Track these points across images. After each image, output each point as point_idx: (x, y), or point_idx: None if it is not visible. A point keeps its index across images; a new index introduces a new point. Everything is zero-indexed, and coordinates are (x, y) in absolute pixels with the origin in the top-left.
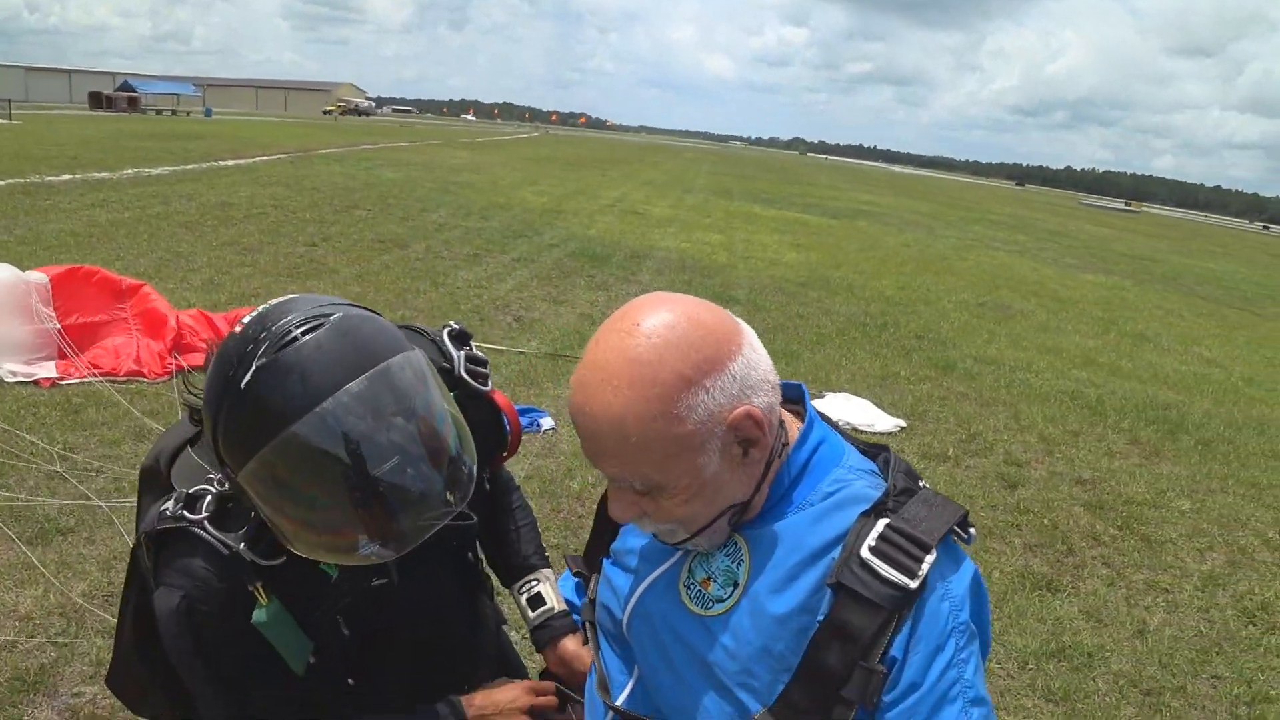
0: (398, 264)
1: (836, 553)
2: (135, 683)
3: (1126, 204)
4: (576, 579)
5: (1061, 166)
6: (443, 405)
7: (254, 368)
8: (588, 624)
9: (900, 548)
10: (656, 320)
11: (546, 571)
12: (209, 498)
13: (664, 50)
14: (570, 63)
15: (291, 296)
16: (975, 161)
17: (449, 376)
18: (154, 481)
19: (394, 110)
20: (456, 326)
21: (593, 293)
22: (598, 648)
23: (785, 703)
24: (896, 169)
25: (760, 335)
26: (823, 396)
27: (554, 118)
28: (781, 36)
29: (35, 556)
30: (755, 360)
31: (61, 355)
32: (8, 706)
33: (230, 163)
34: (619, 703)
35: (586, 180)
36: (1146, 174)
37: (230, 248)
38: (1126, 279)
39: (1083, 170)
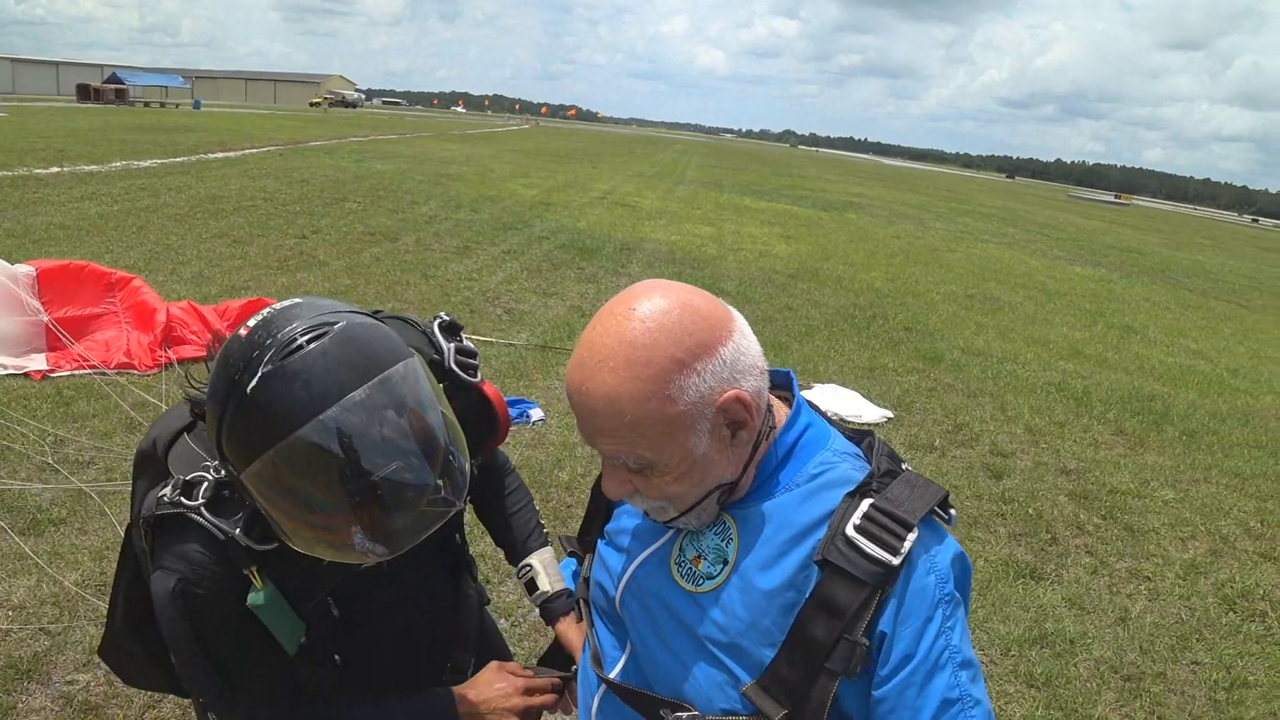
0: (388, 256)
1: (822, 531)
2: (125, 658)
3: (1116, 196)
4: (570, 557)
5: (1052, 159)
6: (439, 410)
7: (260, 374)
8: (582, 601)
9: (884, 526)
10: (652, 305)
11: (543, 553)
12: (206, 484)
13: (654, 42)
14: (561, 54)
15: (295, 302)
16: (966, 154)
17: (439, 368)
18: (150, 465)
19: (384, 102)
20: (447, 318)
21: (582, 285)
22: (592, 624)
23: (773, 674)
24: (887, 161)
25: (749, 327)
26: (810, 388)
27: (544, 110)
28: (772, 28)
29: (28, 546)
30: (746, 346)
31: (51, 347)
32: (1, 694)
33: (219, 155)
34: (612, 675)
35: (577, 172)
36: (1136, 166)
37: (220, 240)
38: (1114, 271)
39: (1073, 163)
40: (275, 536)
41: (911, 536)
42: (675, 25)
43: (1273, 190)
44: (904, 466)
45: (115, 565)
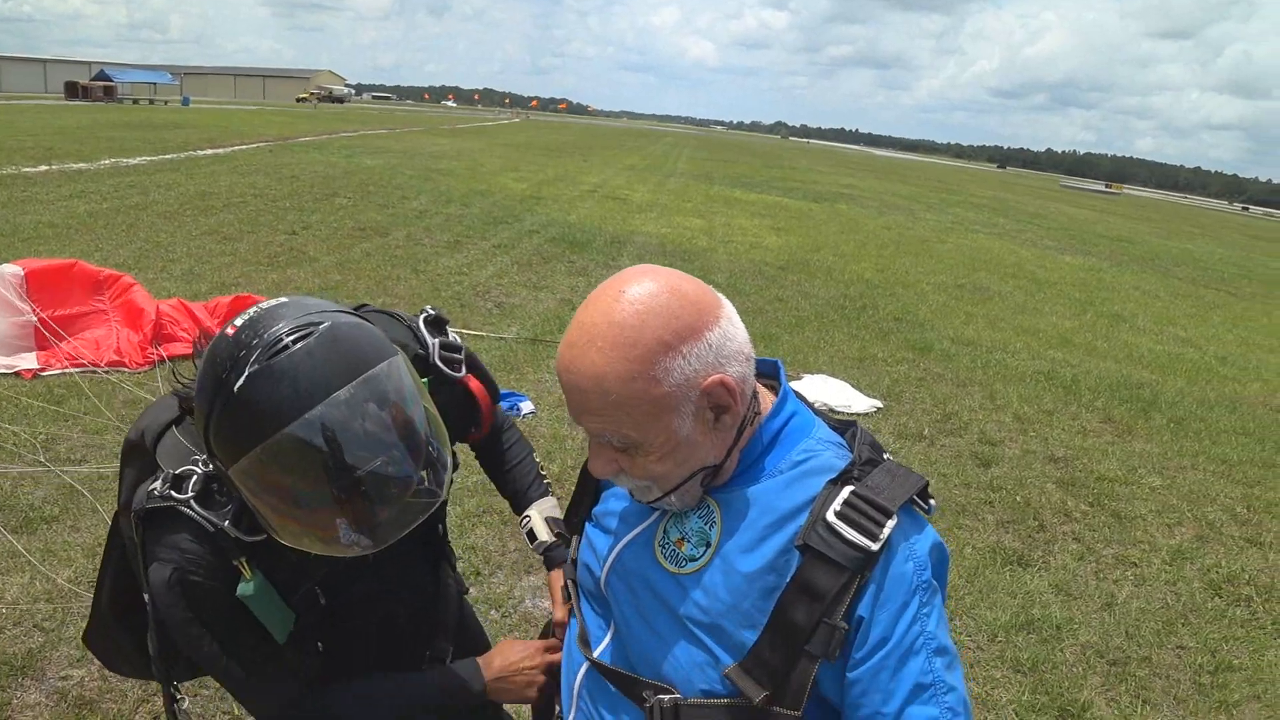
0: (378, 252)
1: (804, 517)
2: (110, 645)
3: (1106, 186)
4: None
5: (1043, 149)
6: (421, 406)
7: (246, 373)
8: (569, 581)
9: (864, 513)
10: (641, 289)
11: (542, 503)
12: (195, 478)
13: (644, 34)
14: (550, 48)
15: (282, 301)
16: (957, 144)
17: (423, 363)
18: (137, 456)
19: (373, 97)
20: (433, 312)
21: (573, 278)
22: (578, 604)
23: (755, 656)
24: (878, 152)
25: (739, 319)
26: (800, 378)
27: (534, 103)
28: (762, 20)
29: (20, 544)
30: (732, 333)
31: (42, 346)
32: None
33: (209, 152)
34: (596, 655)
35: (567, 166)
36: (1127, 156)
37: (210, 237)
38: (1104, 260)
39: (1064, 152)
40: (262, 529)
41: (891, 523)
42: (665, 17)
43: (1263, 179)
44: (885, 456)
45: None
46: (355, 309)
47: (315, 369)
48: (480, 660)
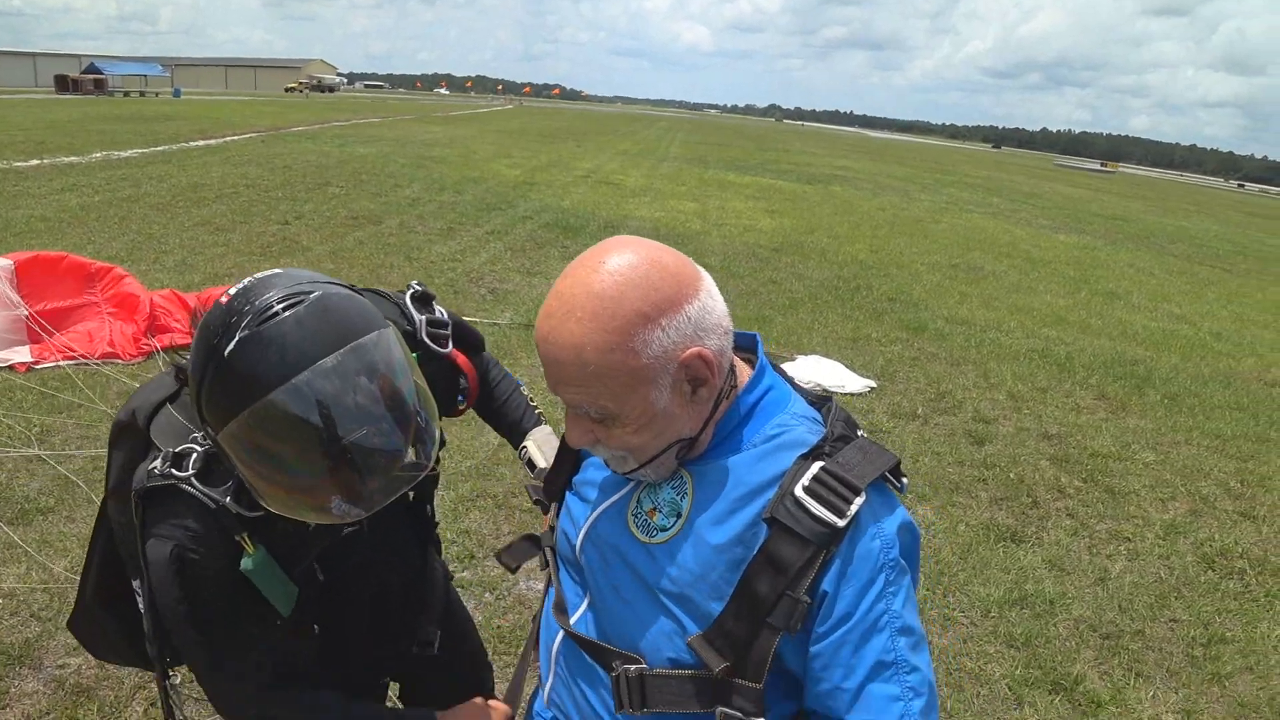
0: (371, 240)
1: (774, 491)
2: (95, 632)
3: (1102, 164)
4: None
5: (1037, 128)
6: (410, 378)
7: (236, 339)
8: (547, 549)
9: (832, 489)
10: (621, 260)
11: (537, 432)
12: (195, 455)
13: (637, 19)
14: (543, 34)
15: (275, 272)
16: (952, 125)
17: (411, 339)
18: (128, 437)
19: (366, 86)
20: (419, 289)
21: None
22: (556, 572)
23: (718, 627)
24: (873, 134)
25: (733, 301)
26: (794, 359)
27: (528, 90)
28: (755, 3)
29: (17, 535)
30: (711, 306)
31: (35, 340)
32: None
33: (200, 143)
34: (572, 623)
35: (560, 152)
36: (1122, 134)
37: (203, 228)
38: (1099, 239)
39: (1059, 131)
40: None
41: (859, 500)
42: (658, 1)
43: (1259, 156)
44: (859, 433)
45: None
46: (347, 287)
47: (304, 336)
48: (440, 714)
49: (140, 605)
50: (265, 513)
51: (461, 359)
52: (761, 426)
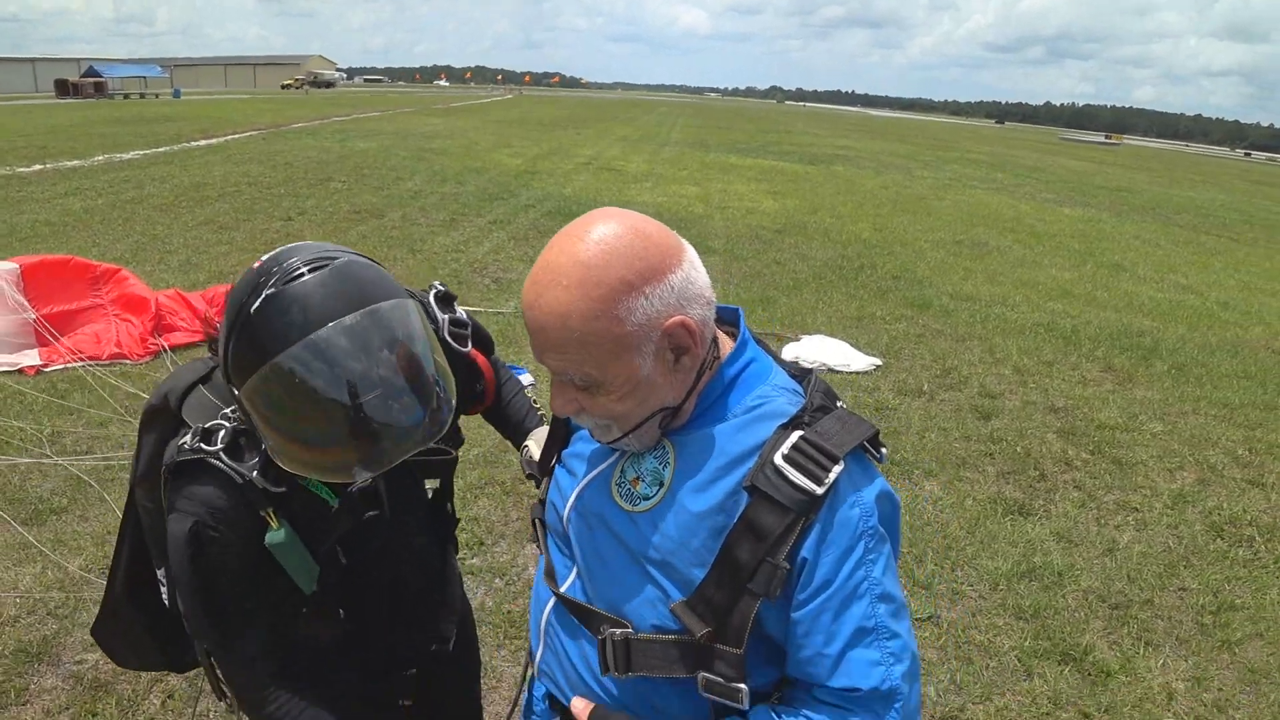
0: (374, 233)
1: (754, 460)
2: (120, 633)
3: (1106, 137)
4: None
5: (1041, 102)
6: (426, 345)
7: (263, 296)
8: (537, 521)
9: (811, 457)
10: (606, 229)
11: (538, 432)
12: (223, 431)
13: (634, 4)
14: (540, 22)
15: (303, 242)
16: (954, 101)
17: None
18: (159, 419)
19: (365, 80)
20: (441, 288)
21: None
22: (545, 543)
23: (700, 594)
24: (874, 113)
25: (737, 283)
26: (799, 339)
27: (527, 79)
28: None
29: (31, 535)
30: (694, 277)
31: (43, 343)
32: (14, 676)
33: (202, 143)
34: (563, 589)
35: (561, 140)
36: (1126, 106)
37: (206, 227)
38: (1104, 211)
39: (1062, 105)
40: (286, 479)
41: (837, 469)
42: None
43: (1265, 124)
44: (839, 404)
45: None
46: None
47: (326, 296)
48: None
49: (164, 596)
50: (289, 488)
51: (481, 359)
52: (743, 397)
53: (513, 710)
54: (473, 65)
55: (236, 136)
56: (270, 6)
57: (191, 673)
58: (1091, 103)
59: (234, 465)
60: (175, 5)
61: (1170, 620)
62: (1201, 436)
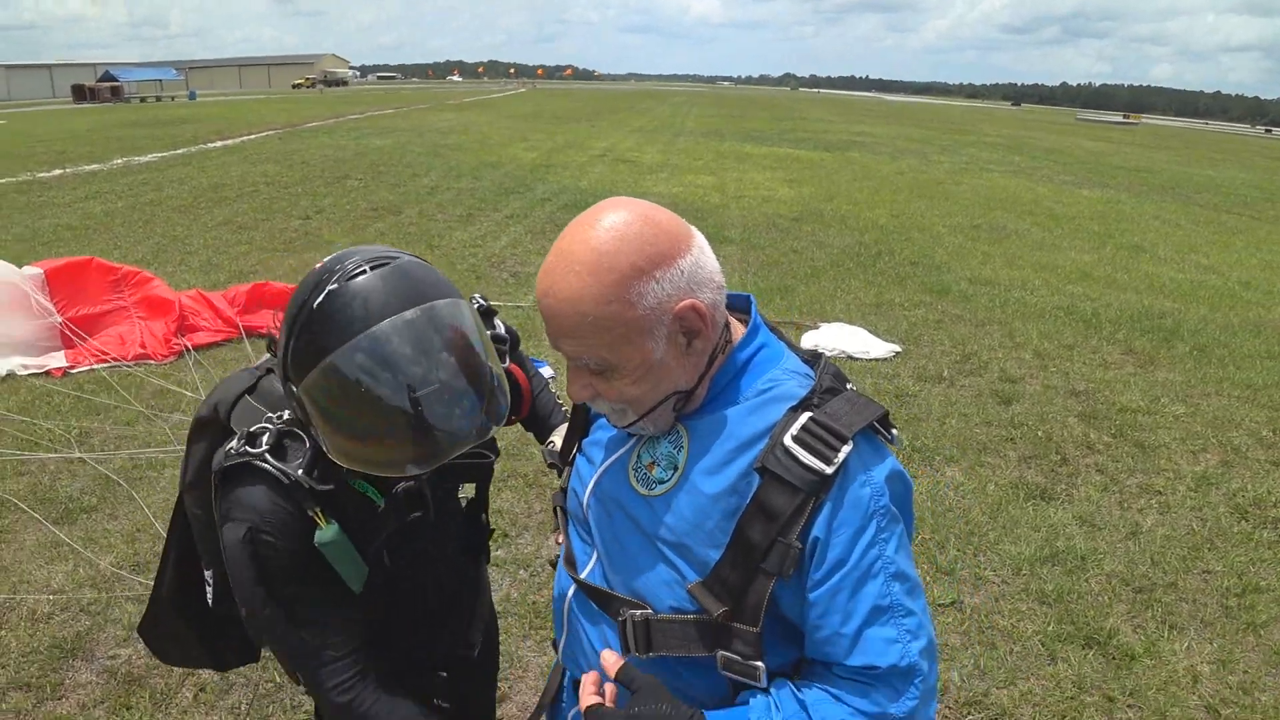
0: (392, 230)
1: (765, 442)
2: (166, 632)
3: (1124, 116)
4: (551, 468)
5: (1057, 83)
6: (480, 343)
7: (325, 292)
8: (558, 509)
9: (820, 438)
10: (617, 217)
11: (562, 427)
12: (268, 433)
13: None
14: (552, 14)
15: (364, 245)
16: (970, 84)
17: None
18: (208, 429)
19: (378, 78)
20: (483, 303)
21: None
22: (566, 529)
23: (716, 574)
24: (889, 98)
25: (755, 272)
26: (818, 327)
27: (540, 72)
28: None
29: (63, 534)
30: (704, 261)
31: (68, 345)
32: (50, 672)
33: (218, 144)
34: (583, 576)
35: (576, 132)
36: (1144, 85)
37: (225, 227)
38: (1123, 192)
39: (1079, 85)
40: (332, 477)
41: (846, 449)
42: None
43: None
44: (848, 386)
45: (147, 546)
46: None
47: (386, 292)
48: None
49: (209, 596)
50: (337, 487)
51: (519, 374)
52: (754, 381)
53: (543, 702)
54: (485, 60)
55: (253, 137)
56: (282, 7)
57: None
58: (1109, 82)
59: (279, 465)
60: (189, 8)
61: (1195, 603)
62: (1224, 418)
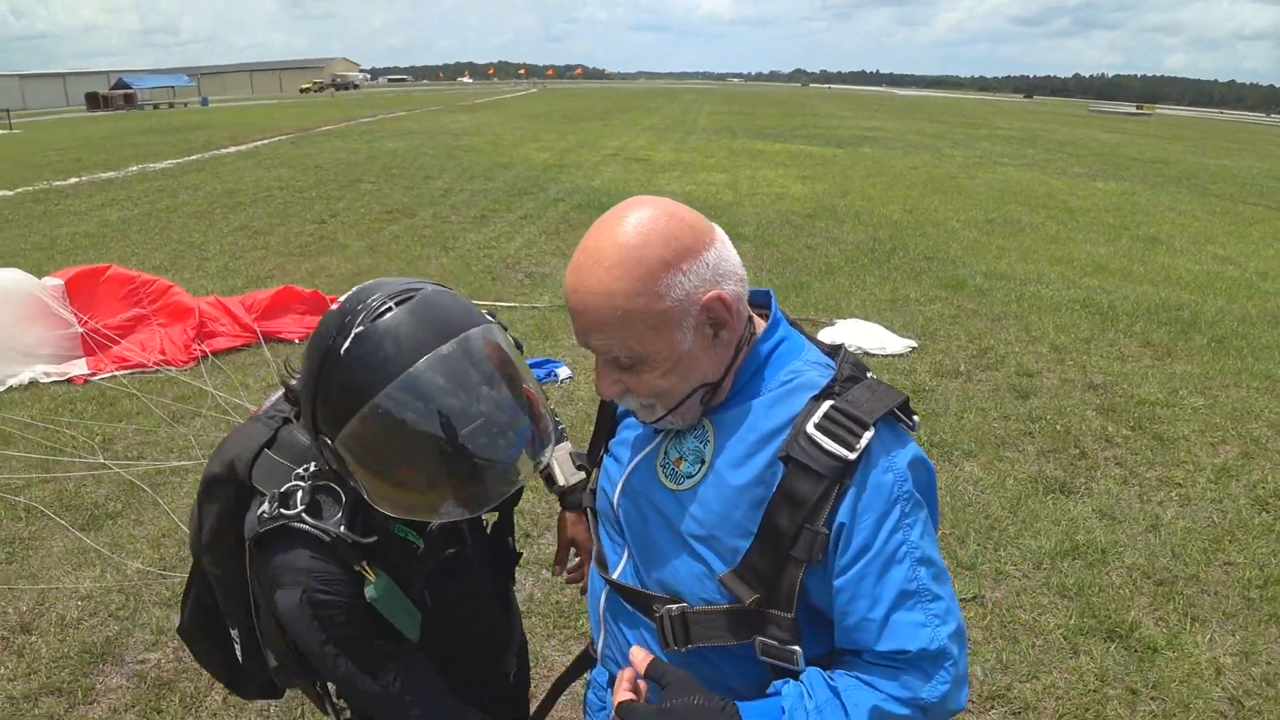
0: (407, 233)
1: (789, 432)
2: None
3: (1138, 107)
4: (579, 470)
5: (1069, 75)
6: (520, 370)
7: (353, 335)
8: (588, 510)
9: (842, 425)
10: (642, 214)
11: (558, 449)
12: (300, 492)
13: None
14: (561, 14)
15: (380, 279)
16: (981, 77)
17: None
18: (222, 487)
19: (389, 80)
20: (491, 319)
21: None
22: (597, 531)
23: (746, 563)
24: (901, 92)
25: (769, 269)
26: (834, 324)
27: (550, 72)
28: None
29: (90, 540)
30: (726, 254)
31: (90, 353)
32: (81, 677)
33: (232, 149)
34: (614, 576)
35: (588, 132)
36: (1157, 75)
37: (241, 233)
38: (1138, 184)
39: (1091, 76)
40: (374, 529)
41: (868, 435)
42: None
43: None
44: (868, 375)
45: (173, 550)
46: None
47: (418, 328)
48: None
49: (238, 653)
50: (379, 538)
51: (530, 393)
52: (776, 373)
53: (551, 695)
54: (495, 60)
55: (266, 142)
56: (292, 11)
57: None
58: (1121, 73)
59: (319, 525)
60: (199, 14)
61: (1216, 595)
62: (1243, 409)
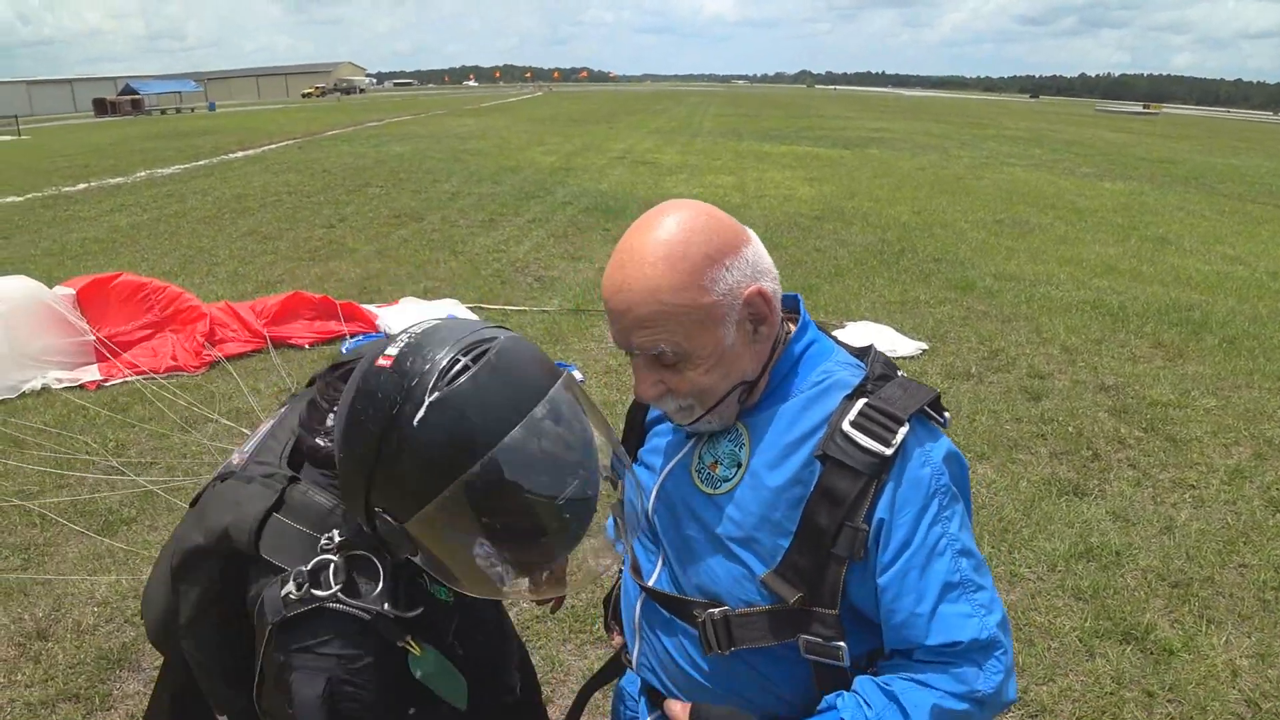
0: (415, 237)
1: (824, 431)
2: None
3: (1145, 106)
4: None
5: (1076, 74)
6: (602, 420)
7: (426, 403)
8: (618, 519)
9: (877, 421)
10: (680, 214)
11: None
12: (333, 567)
13: None
14: (566, 17)
15: (431, 324)
16: (987, 77)
17: None
18: (205, 561)
19: (395, 84)
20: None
21: (609, 246)
22: (630, 540)
23: (787, 562)
24: (907, 93)
25: (778, 272)
26: (844, 327)
27: (556, 75)
28: None
29: (106, 546)
30: (761, 252)
31: (101, 359)
32: (98, 683)
33: (240, 154)
34: (650, 583)
35: (594, 135)
36: (1164, 74)
37: (250, 238)
38: (1146, 183)
39: (1098, 76)
40: (420, 600)
41: (902, 430)
42: None
43: None
44: (899, 373)
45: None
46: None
47: (503, 389)
48: None
49: None
50: (425, 609)
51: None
52: (808, 374)
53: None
54: (501, 64)
55: (273, 146)
56: (297, 15)
57: None
58: (1128, 72)
59: (357, 604)
60: (205, 19)
61: (1232, 597)
62: (1256, 410)
